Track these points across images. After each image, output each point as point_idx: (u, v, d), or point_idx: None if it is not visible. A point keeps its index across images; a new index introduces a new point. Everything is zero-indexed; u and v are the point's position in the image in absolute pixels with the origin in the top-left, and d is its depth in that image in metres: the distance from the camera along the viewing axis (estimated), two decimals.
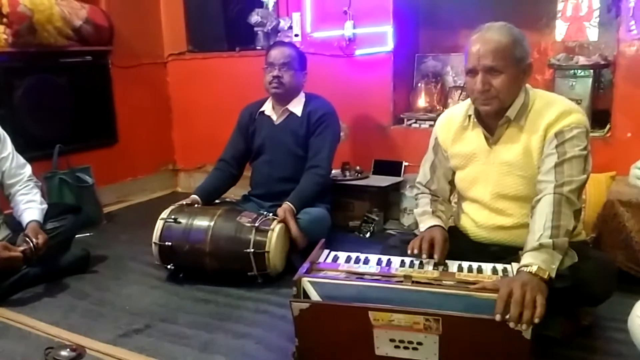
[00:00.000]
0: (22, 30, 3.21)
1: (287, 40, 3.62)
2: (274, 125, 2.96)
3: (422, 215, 2.03)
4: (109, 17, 3.77)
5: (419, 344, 1.57)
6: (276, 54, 2.87)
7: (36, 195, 2.55)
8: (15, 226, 2.50)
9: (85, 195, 3.41)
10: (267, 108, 3.00)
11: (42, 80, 3.50)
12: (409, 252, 1.85)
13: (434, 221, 1.96)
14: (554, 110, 1.80)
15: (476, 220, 1.99)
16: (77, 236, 2.84)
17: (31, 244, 2.33)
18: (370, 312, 1.56)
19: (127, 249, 3.06)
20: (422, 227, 1.98)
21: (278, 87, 2.87)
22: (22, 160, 2.60)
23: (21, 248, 2.32)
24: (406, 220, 3.32)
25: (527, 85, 1.87)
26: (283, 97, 2.92)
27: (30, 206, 2.48)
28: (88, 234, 3.25)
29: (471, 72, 1.82)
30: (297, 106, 2.93)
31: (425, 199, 2.08)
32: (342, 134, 3.22)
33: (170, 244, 2.50)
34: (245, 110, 3.07)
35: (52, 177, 3.31)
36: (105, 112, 3.92)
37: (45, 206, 2.55)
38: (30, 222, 2.43)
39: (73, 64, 3.65)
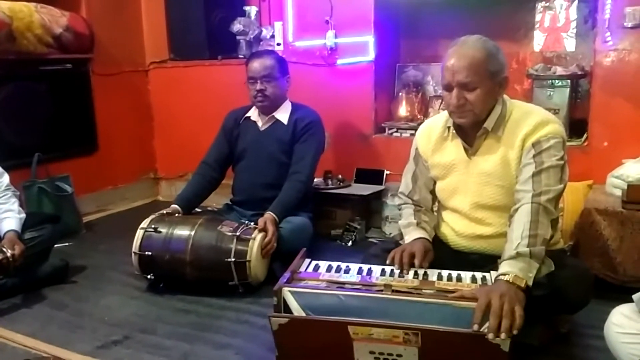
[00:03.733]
0: (1, 38, 3.17)
1: (269, 49, 3.63)
2: (259, 131, 2.96)
3: (407, 227, 2.04)
4: (89, 24, 3.74)
5: (399, 355, 1.57)
6: (256, 67, 2.86)
7: (14, 204, 2.52)
8: None
9: (64, 204, 3.37)
10: (253, 114, 3.00)
11: (22, 88, 3.46)
12: (388, 262, 1.86)
13: (419, 233, 1.98)
14: (531, 120, 1.82)
15: (456, 229, 2.00)
16: (55, 246, 2.80)
17: (7, 255, 2.30)
18: (349, 327, 1.56)
19: (106, 258, 3.03)
20: (407, 239, 1.99)
21: (264, 100, 2.87)
22: None
23: None
24: (388, 229, 3.33)
25: (505, 96, 1.90)
26: (269, 108, 2.92)
27: (8, 216, 2.46)
28: (67, 244, 3.21)
29: (447, 87, 1.84)
30: (283, 114, 2.94)
31: (408, 209, 2.09)
32: (325, 143, 3.23)
33: (150, 253, 2.48)
34: (231, 115, 3.07)
35: (31, 186, 3.27)
36: (86, 120, 3.89)
37: (23, 215, 2.52)
38: (7, 232, 2.40)
39: (53, 72, 3.62)
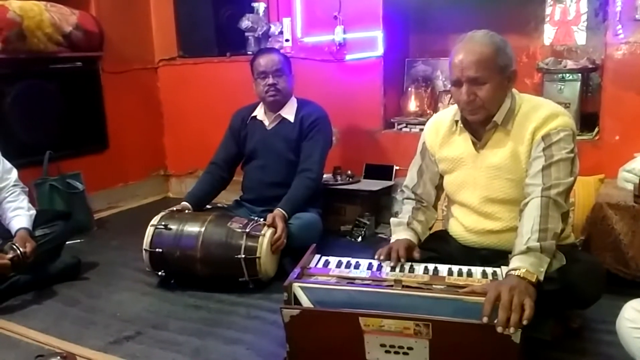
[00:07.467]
0: (12, 37, 3.20)
1: (277, 45, 3.63)
2: (266, 131, 2.96)
3: (397, 226, 2.05)
4: (99, 22, 3.75)
5: (410, 348, 1.57)
6: (267, 62, 2.86)
7: (23, 201, 2.53)
8: (5, 233, 2.48)
9: (75, 201, 3.39)
10: (259, 113, 3.00)
11: (32, 87, 3.48)
12: (375, 257, 1.88)
13: (405, 235, 1.98)
14: (541, 113, 1.81)
15: (465, 225, 2.00)
16: (67, 243, 2.83)
17: (18, 252, 2.32)
18: (360, 318, 1.56)
19: (118, 255, 3.05)
20: (393, 238, 2.00)
21: (276, 95, 2.86)
22: (8, 165, 2.59)
23: (9, 256, 2.31)
24: None
25: (514, 90, 1.88)
26: (279, 104, 2.92)
27: (18, 213, 2.47)
28: (78, 241, 3.23)
29: (456, 83, 1.83)
30: (289, 112, 2.93)
31: (408, 205, 2.09)
32: (333, 138, 3.23)
33: (161, 250, 2.50)
34: (237, 114, 3.08)
35: (43, 183, 3.30)
36: (96, 118, 3.91)
37: (33, 212, 2.54)
38: (18, 230, 2.42)
39: (63, 70, 3.64)
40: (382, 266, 1.84)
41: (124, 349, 2.04)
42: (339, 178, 3.40)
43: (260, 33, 3.79)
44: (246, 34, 3.84)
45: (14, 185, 2.56)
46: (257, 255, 2.43)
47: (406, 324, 1.53)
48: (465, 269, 1.79)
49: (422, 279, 1.72)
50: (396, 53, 3.61)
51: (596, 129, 2.96)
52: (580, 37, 3.23)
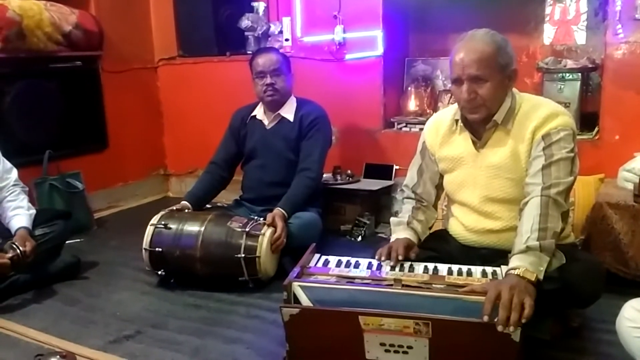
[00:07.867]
0: (11, 36, 3.19)
1: (277, 45, 3.63)
2: (265, 130, 2.96)
3: (397, 225, 2.05)
4: (98, 22, 3.75)
5: (409, 347, 1.57)
6: (265, 61, 2.86)
7: (23, 201, 2.53)
8: (5, 232, 2.48)
9: (75, 200, 3.39)
10: (259, 113, 3.00)
11: (32, 86, 3.48)
12: (376, 257, 1.88)
13: (404, 234, 1.99)
14: (541, 113, 1.81)
15: (465, 224, 2.00)
16: (67, 242, 2.83)
17: (18, 251, 2.32)
18: (360, 317, 1.57)
19: (117, 254, 3.05)
20: (393, 237, 2.00)
21: (274, 94, 2.86)
22: (8, 164, 2.59)
23: (8, 255, 2.31)
24: None
25: (514, 89, 1.88)
26: (278, 103, 2.92)
27: (18, 212, 2.48)
28: (78, 240, 3.24)
29: (456, 81, 1.83)
30: (289, 111, 2.93)
31: (408, 205, 2.09)
32: (332, 137, 3.23)
33: (160, 249, 2.50)
34: (237, 114, 3.08)
35: (43, 182, 3.30)
36: (96, 117, 3.91)
37: (33, 211, 2.54)
38: (18, 229, 2.42)
39: (63, 69, 3.63)
40: (381, 265, 1.84)
41: (124, 348, 2.04)
42: (338, 177, 3.40)
43: (260, 32, 3.79)
44: (246, 33, 3.84)
45: (14, 185, 2.56)
46: (257, 254, 2.43)
47: (406, 323, 1.53)
48: (465, 268, 1.79)
49: (422, 278, 1.72)
50: (396, 52, 3.61)
51: (596, 129, 2.96)
52: (580, 36, 3.24)
